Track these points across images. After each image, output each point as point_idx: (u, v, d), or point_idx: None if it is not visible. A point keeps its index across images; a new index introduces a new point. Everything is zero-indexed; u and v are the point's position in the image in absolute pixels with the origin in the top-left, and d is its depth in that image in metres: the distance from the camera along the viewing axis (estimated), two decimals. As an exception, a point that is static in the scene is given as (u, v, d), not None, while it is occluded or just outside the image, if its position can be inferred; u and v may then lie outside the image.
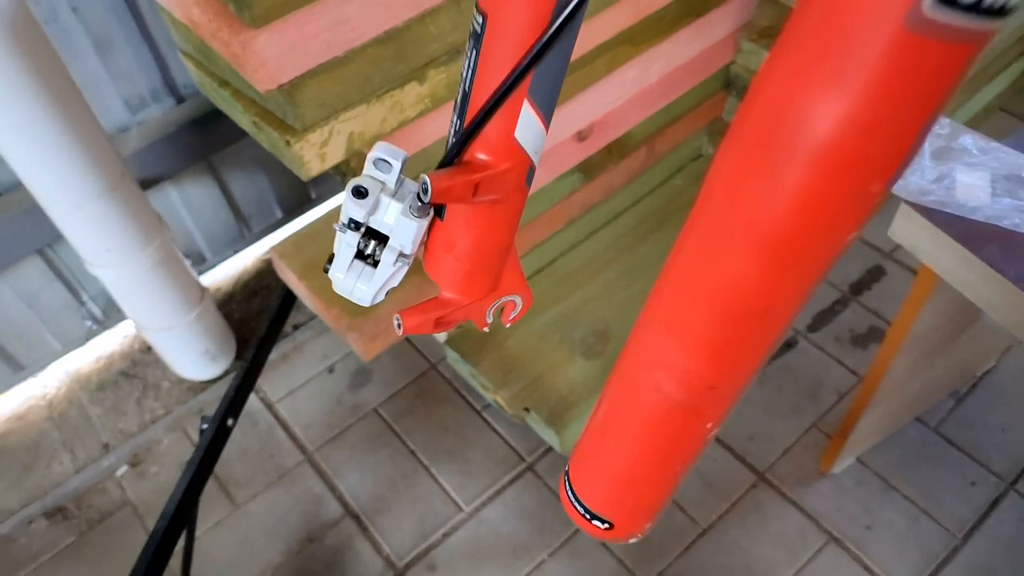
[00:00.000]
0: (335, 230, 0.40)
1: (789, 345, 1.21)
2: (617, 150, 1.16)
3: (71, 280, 1.20)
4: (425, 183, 0.36)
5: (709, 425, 0.37)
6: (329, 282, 0.42)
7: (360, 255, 0.41)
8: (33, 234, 1.09)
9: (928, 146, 0.71)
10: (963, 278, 0.68)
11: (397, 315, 0.43)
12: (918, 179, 0.70)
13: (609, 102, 1.05)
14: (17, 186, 1.05)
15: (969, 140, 0.70)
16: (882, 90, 0.24)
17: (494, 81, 0.34)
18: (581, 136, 1.08)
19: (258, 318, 1.30)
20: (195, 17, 0.78)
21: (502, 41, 0.34)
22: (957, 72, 0.24)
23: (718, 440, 1.13)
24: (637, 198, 1.26)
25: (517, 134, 0.36)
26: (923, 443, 1.10)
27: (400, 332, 0.43)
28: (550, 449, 1.13)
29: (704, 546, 1.04)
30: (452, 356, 1.13)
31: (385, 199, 0.39)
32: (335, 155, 0.84)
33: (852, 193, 0.27)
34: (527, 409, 1.07)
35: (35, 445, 1.22)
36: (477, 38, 0.35)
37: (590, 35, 0.97)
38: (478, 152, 0.37)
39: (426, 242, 0.42)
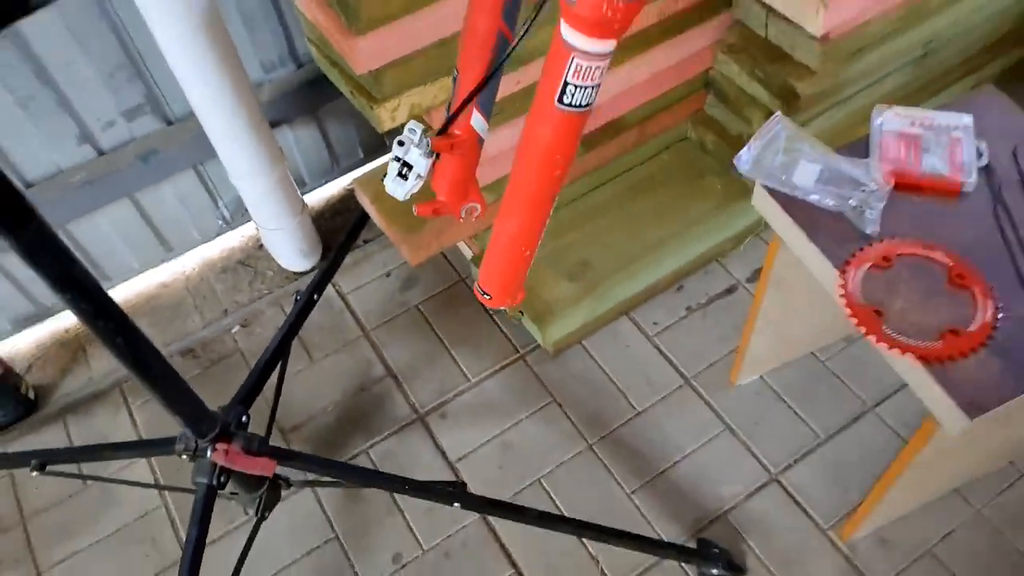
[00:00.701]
0: (391, 161, 0.81)
1: (729, 291, 1.58)
2: (612, 129, 1.53)
3: (212, 189, 1.67)
4: (427, 142, 0.77)
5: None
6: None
7: (400, 174, 0.82)
8: (194, 153, 1.55)
9: (783, 145, 1.06)
10: (785, 231, 1.05)
11: (414, 205, 0.84)
12: (770, 165, 1.06)
13: (604, 92, 1.42)
14: (188, 116, 1.50)
15: (807, 145, 1.06)
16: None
17: (463, 94, 0.75)
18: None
19: (339, 231, 1.75)
20: (319, 19, 1.21)
21: (470, 73, 0.74)
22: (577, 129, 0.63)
23: (664, 354, 1.52)
24: (629, 167, 1.63)
25: (472, 123, 0.76)
26: (813, 372, 1.46)
27: (415, 212, 0.84)
28: (537, 345, 1.55)
29: (637, 422, 1.44)
30: (474, 271, 1.55)
31: (413, 147, 0.80)
32: (401, 117, 1.26)
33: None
34: (521, 312, 1.49)
35: (176, 305, 1.71)
36: (455, 79, 0.75)
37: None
38: (456, 128, 0.78)
39: (431, 171, 0.83)
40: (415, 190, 0.82)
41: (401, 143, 0.79)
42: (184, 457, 1.18)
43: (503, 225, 0.78)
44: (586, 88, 0.60)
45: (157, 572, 1.36)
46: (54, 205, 1.46)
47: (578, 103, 0.60)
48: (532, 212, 0.75)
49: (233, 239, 1.80)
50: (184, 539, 1.29)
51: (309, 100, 1.63)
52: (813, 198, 1.03)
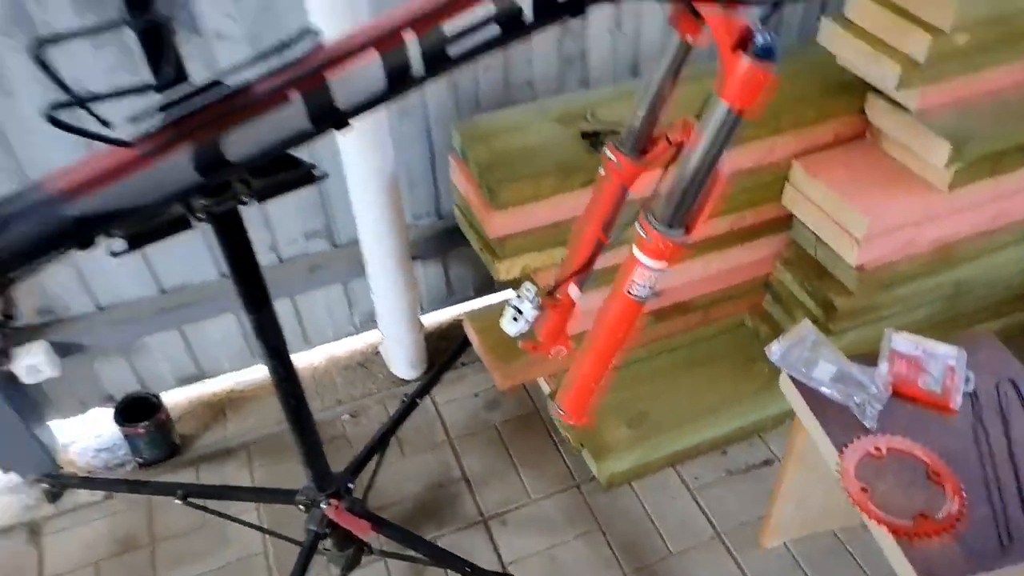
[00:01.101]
0: (506, 305, 1.15)
1: (766, 463, 1.80)
2: (681, 309, 1.85)
3: (351, 301, 2.07)
4: (538, 300, 1.10)
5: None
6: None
7: (513, 317, 1.15)
8: (347, 272, 1.97)
9: (808, 346, 1.34)
10: (802, 413, 1.30)
11: (520, 342, 1.17)
12: (796, 360, 1.33)
13: (676, 279, 1.76)
14: (351, 243, 1.92)
15: (828, 349, 1.33)
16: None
17: (567, 271, 1.08)
18: (656, 294, 1.79)
19: (444, 351, 2.09)
20: (468, 193, 1.62)
21: (574, 258, 1.09)
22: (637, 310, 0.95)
23: (702, 507, 1.73)
24: (693, 341, 1.93)
25: (570, 291, 1.10)
26: (833, 549, 1.64)
27: (519, 345, 1.17)
28: (593, 478, 1.80)
29: (670, 561, 1.65)
30: (550, 404, 1.85)
31: (527, 301, 1.14)
32: (515, 273, 1.62)
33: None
34: (582, 445, 1.76)
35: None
36: (563, 258, 1.10)
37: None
38: (559, 293, 1.11)
39: (536, 319, 1.16)
40: (523, 331, 1.15)
41: (519, 296, 1.13)
42: (300, 507, 1.49)
43: (580, 363, 1.08)
44: (645, 287, 0.92)
45: (245, 606, 1.63)
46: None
47: (638, 295, 0.92)
48: (602, 358, 1.05)
49: (357, 343, 2.18)
50: (277, 579, 1.56)
51: (442, 245, 2.03)
52: (826, 391, 1.29)
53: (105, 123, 0.64)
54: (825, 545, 1.65)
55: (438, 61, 0.69)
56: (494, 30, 0.68)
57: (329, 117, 0.69)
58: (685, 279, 1.78)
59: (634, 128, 1.02)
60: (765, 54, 0.73)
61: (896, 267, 1.65)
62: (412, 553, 1.54)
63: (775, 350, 1.35)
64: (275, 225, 1.86)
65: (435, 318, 2.21)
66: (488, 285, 2.19)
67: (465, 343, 1.94)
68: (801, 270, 1.73)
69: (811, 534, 1.66)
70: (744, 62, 0.73)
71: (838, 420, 1.26)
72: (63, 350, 1.80)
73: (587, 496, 1.78)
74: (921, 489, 1.16)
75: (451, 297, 2.19)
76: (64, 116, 0.60)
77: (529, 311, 1.12)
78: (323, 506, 1.41)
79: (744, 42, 0.74)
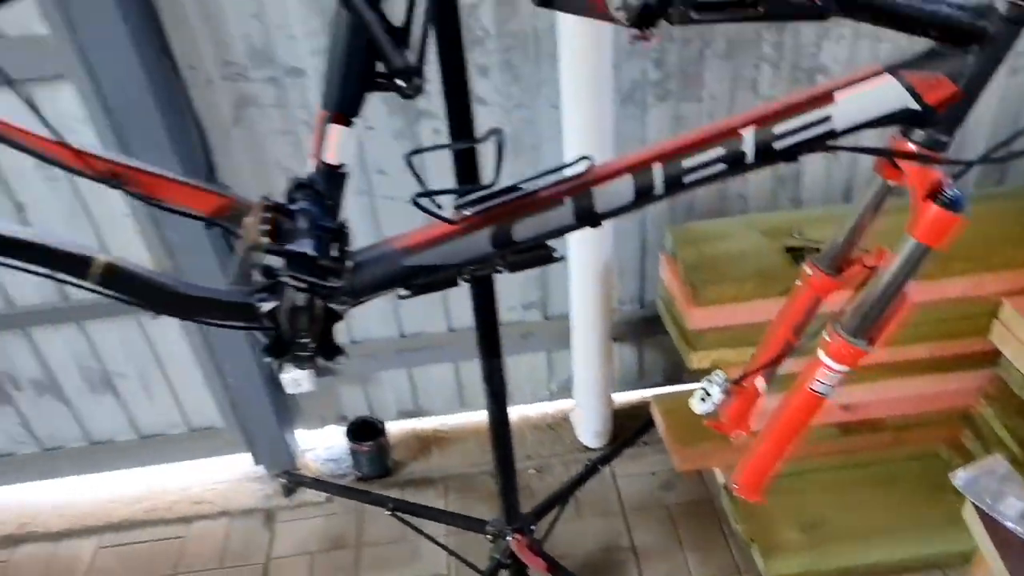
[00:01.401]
0: (699, 388, 1.32)
1: (947, 599, 1.74)
2: (871, 426, 1.88)
3: (551, 369, 2.31)
4: (727, 384, 1.26)
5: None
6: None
7: (701, 398, 1.32)
8: (553, 342, 2.22)
9: (998, 479, 1.34)
10: (983, 543, 1.31)
11: (705, 422, 1.32)
12: (983, 490, 1.34)
13: (868, 395, 1.80)
14: (561, 317, 2.18)
15: (1018, 486, 1.33)
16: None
17: (756, 363, 1.24)
18: (846, 408, 1.84)
19: (627, 429, 2.26)
20: (674, 287, 1.81)
21: (765, 352, 1.24)
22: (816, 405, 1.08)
23: None
24: (881, 461, 1.93)
25: (756, 383, 1.24)
26: None
27: (704, 422, 1.32)
28: (757, 574, 1.85)
29: None
30: (723, 496, 1.94)
31: (716, 385, 1.30)
32: (706, 363, 1.77)
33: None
34: (753, 540, 1.82)
35: (497, 440, 2.33)
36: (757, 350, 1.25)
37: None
38: (746, 382, 1.26)
39: (722, 403, 1.31)
40: (709, 412, 1.31)
41: (709, 380, 1.30)
42: (488, 536, 1.71)
43: (759, 444, 1.20)
44: (826, 384, 1.05)
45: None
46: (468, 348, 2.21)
47: (819, 391, 1.05)
48: (779, 442, 1.18)
49: (550, 408, 2.41)
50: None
51: (641, 330, 2.23)
52: (1011, 526, 1.30)
53: (439, 206, 0.94)
54: None
55: (674, 185, 0.92)
56: (721, 167, 0.90)
57: (588, 218, 0.94)
58: (880, 396, 1.82)
59: (835, 248, 1.17)
60: (952, 205, 0.87)
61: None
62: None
63: (961, 476, 1.37)
64: (500, 292, 2.17)
65: (625, 397, 2.39)
66: (677, 375, 2.34)
67: (649, 423, 2.10)
68: (1004, 407, 1.71)
69: None
70: (933, 209, 0.88)
71: (1020, 556, 1.26)
72: (320, 372, 2.21)
73: (749, 589, 1.83)
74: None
75: (642, 380, 2.36)
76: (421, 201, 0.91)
77: (717, 394, 1.27)
78: (508, 538, 1.63)
79: (935, 193, 0.89)
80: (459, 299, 2.14)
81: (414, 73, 0.90)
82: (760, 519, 1.85)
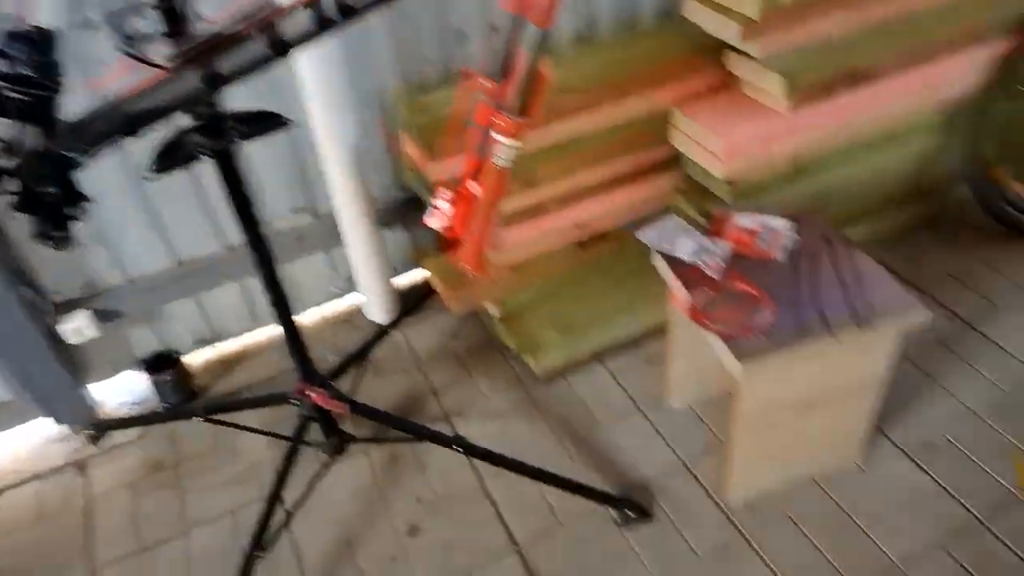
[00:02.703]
0: (430, 207, 1.58)
1: (675, 351, 2.21)
2: (599, 238, 2.27)
3: (336, 267, 2.49)
4: (450, 196, 1.53)
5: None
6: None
7: (435, 216, 1.58)
8: (329, 239, 2.39)
9: (675, 229, 1.76)
10: (667, 276, 1.72)
11: (443, 232, 1.59)
12: (662, 241, 1.75)
13: (593, 212, 2.18)
14: (332, 216, 2.35)
15: (687, 232, 1.75)
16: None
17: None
18: (579, 226, 2.21)
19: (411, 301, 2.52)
20: (416, 157, 2.06)
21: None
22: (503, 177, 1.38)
23: (622, 386, 2.13)
24: (609, 264, 2.34)
25: (471, 188, 1.53)
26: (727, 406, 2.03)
27: (441, 232, 1.59)
28: (535, 375, 2.20)
29: (598, 429, 2.04)
30: (496, 325, 2.27)
31: (441, 200, 1.56)
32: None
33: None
34: (523, 350, 2.16)
35: (297, 342, 2.49)
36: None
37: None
38: (461, 189, 1.53)
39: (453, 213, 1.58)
40: (443, 223, 1.57)
41: (435, 198, 1.56)
42: (293, 402, 1.88)
43: (474, 229, 1.48)
44: (504, 158, 1.35)
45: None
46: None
47: (501, 164, 1.35)
48: (486, 216, 1.46)
49: (342, 304, 2.59)
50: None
51: (406, 212, 2.46)
52: (687, 258, 1.71)
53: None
54: (722, 404, 2.04)
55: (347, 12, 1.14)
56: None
57: (279, 46, 1.13)
58: (602, 210, 2.20)
59: (498, 57, 1.44)
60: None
61: (760, 180, 2.08)
62: (390, 434, 1.94)
63: (645, 233, 1.77)
64: (268, 201, 2.29)
65: (408, 279, 2.63)
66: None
67: (430, 291, 2.36)
68: (691, 195, 2.16)
69: (708, 397, 2.06)
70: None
71: (692, 277, 1.68)
72: (102, 317, 2.22)
73: (530, 390, 2.18)
74: (745, 310, 1.57)
75: (419, 259, 2.61)
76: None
77: (445, 206, 1.54)
78: (310, 393, 1.82)
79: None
80: (228, 215, 2.25)
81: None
82: (526, 333, 2.20)
